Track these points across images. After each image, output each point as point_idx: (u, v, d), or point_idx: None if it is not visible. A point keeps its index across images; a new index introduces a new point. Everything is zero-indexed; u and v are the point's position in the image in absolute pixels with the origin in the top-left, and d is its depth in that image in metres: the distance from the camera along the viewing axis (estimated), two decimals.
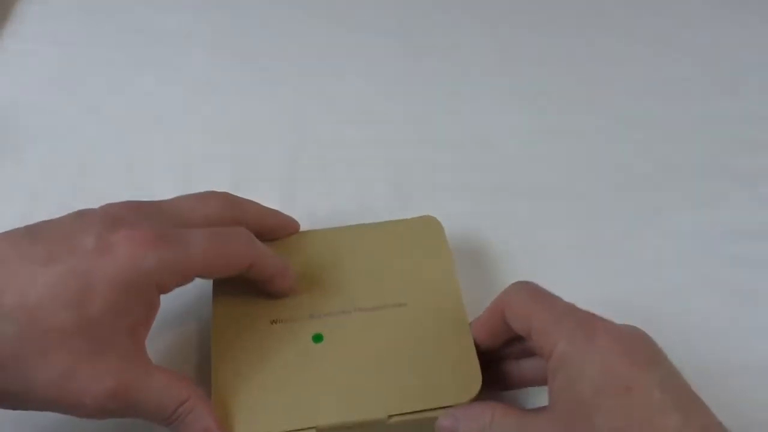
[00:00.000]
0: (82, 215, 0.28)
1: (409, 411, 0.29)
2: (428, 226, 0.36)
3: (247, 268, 0.30)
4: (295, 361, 0.31)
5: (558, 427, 0.25)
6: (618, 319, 0.27)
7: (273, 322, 0.32)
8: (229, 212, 0.32)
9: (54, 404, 0.25)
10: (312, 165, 0.45)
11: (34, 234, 0.26)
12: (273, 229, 0.35)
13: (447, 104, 0.50)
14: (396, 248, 0.35)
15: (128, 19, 0.55)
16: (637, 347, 0.26)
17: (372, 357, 0.31)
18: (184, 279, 0.28)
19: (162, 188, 0.43)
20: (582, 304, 0.28)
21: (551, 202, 0.43)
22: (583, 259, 0.40)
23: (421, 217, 0.37)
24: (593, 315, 0.27)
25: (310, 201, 0.43)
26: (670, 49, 0.54)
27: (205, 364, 0.33)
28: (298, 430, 0.29)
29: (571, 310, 0.28)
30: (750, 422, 0.31)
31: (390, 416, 0.29)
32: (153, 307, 0.28)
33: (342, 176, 0.45)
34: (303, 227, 0.36)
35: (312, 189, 0.44)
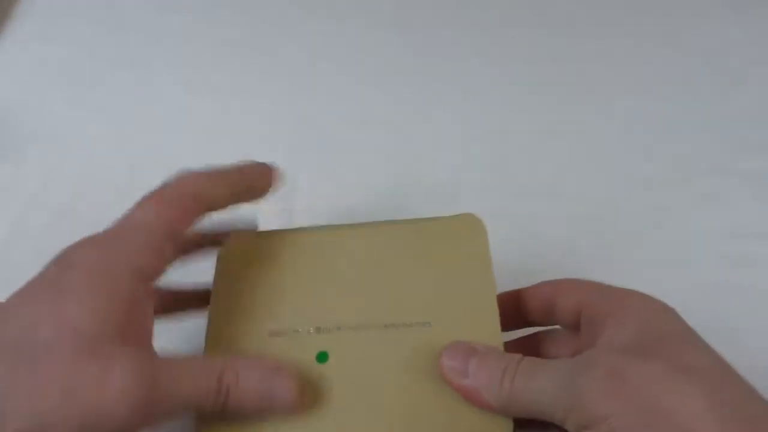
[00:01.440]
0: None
1: None
2: (468, 227, 0.30)
3: (205, 201, 0.28)
4: None
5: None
6: None
7: (272, 335, 0.28)
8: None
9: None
10: (312, 165, 0.45)
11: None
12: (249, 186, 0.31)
13: (447, 104, 0.50)
14: (426, 252, 0.29)
15: (128, 19, 0.55)
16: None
17: (384, 387, 0.26)
18: (159, 250, 0.26)
19: None
20: None
21: (552, 202, 0.43)
22: (584, 259, 0.40)
23: (460, 215, 0.31)
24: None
25: (311, 201, 0.43)
26: (671, 49, 0.54)
27: None
28: None
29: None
30: None
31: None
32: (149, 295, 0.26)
33: (342, 176, 0.45)
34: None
35: (312, 189, 0.44)
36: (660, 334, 0.24)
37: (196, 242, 0.33)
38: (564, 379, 0.23)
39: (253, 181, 0.30)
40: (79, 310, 0.23)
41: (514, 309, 0.30)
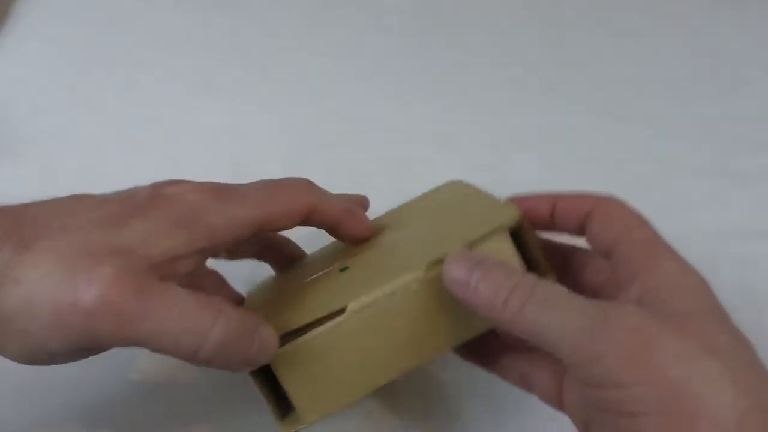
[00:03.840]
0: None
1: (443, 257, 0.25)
2: (459, 186, 0.34)
3: (307, 213, 0.28)
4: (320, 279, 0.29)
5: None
6: None
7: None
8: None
9: None
10: (312, 165, 0.45)
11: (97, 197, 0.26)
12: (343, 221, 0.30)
13: (447, 103, 0.50)
14: (440, 208, 0.32)
15: (128, 19, 0.55)
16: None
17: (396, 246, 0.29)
18: (242, 230, 0.26)
19: None
20: None
21: None
22: None
23: (447, 182, 0.35)
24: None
25: None
26: (670, 49, 0.54)
27: None
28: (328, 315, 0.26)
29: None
30: None
31: (431, 263, 0.25)
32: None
33: (343, 177, 0.45)
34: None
35: None
36: (693, 309, 0.23)
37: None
38: (586, 326, 0.22)
39: (350, 229, 0.30)
40: (131, 233, 0.24)
41: (547, 213, 0.28)
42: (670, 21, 0.57)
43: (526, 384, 0.29)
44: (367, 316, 0.25)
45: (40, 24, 0.54)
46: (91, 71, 0.51)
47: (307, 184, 0.29)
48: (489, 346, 0.30)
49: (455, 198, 0.32)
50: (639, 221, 0.26)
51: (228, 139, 0.47)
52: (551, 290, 0.24)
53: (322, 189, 0.29)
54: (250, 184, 0.28)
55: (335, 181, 0.44)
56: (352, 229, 0.30)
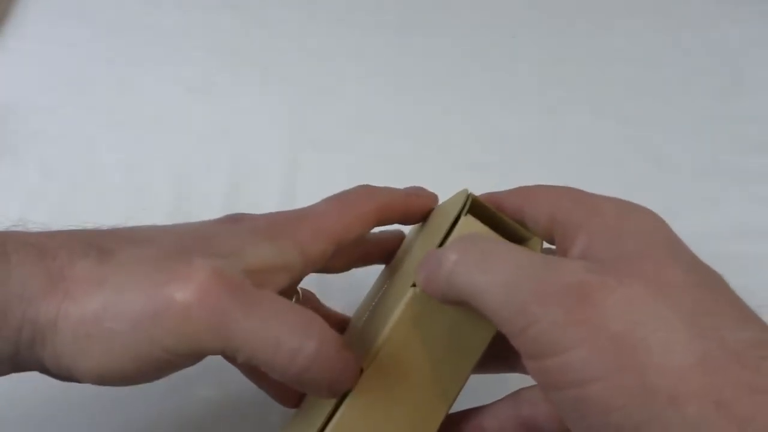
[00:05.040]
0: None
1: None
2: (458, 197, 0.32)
3: (378, 213, 0.27)
4: None
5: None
6: None
7: None
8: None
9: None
10: (312, 165, 0.45)
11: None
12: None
13: (447, 104, 0.50)
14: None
15: (128, 19, 0.54)
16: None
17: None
18: (327, 243, 0.26)
19: (161, 188, 0.44)
20: None
21: None
22: None
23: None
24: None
25: (311, 202, 0.43)
26: (670, 49, 0.54)
27: None
28: None
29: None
30: None
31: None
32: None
33: (343, 177, 0.45)
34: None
35: (312, 190, 0.44)
36: (639, 247, 0.20)
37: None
38: (520, 285, 0.20)
39: (418, 207, 0.30)
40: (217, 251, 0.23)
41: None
42: (670, 21, 0.57)
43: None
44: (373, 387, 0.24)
45: (40, 24, 0.54)
46: (91, 71, 0.51)
47: (368, 188, 0.29)
48: (459, 420, 0.27)
49: (446, 209, 0.31)
50: (569, 192, 0.24)
51: (228, 139, 0.47)
52: (489, 247, 0.21)
53: (380, 187, 0.29)
54: (316, 204, 0.28)
55: (335, 181, 0.44)
56: (419, 207, 0.29)
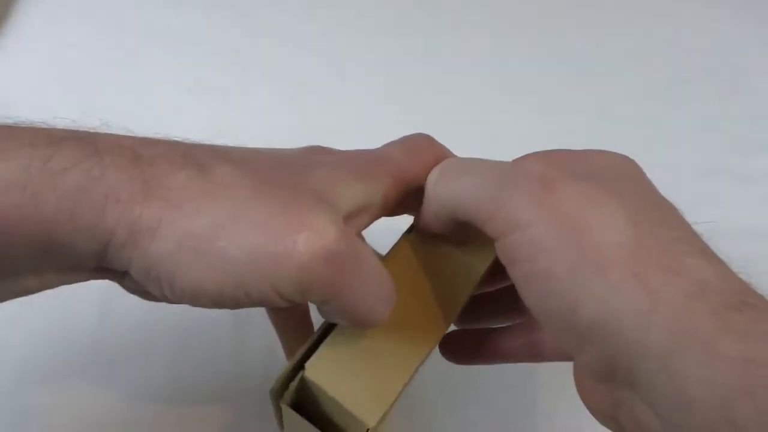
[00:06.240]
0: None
1: None
2: None
3: (437, 162, 0.27)
4: None
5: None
6: None
7: None
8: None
9: None
10: None
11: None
12: None
13: (447, 104, 0.50)
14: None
15: (128, 19, 0.55)
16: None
17: None
18: (406, 183, 0.26)
19: None
20: None
21: None
22: None
23: None
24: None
25: None
26: (670, 50, 0.54)
27: None
28: None
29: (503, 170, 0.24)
30: None
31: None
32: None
33: None
34: None
35: None
36: (602, 168, 0.23)
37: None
38: (497, 178, 0.22)
39: None
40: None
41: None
42: (670, 21, 0.57)
43: (534, 352, 0.28)
44: None
45: (40, 24, 0.54)
46: (91, 71, 0.51)
47: (429, 136, 0.29)
48: (483, 339, 0.29)
49: None
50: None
51: (228, 140, 0.47)
52: (464, 160, 0.25)
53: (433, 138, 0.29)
54: (387, 147, 0.27)
55: None
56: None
